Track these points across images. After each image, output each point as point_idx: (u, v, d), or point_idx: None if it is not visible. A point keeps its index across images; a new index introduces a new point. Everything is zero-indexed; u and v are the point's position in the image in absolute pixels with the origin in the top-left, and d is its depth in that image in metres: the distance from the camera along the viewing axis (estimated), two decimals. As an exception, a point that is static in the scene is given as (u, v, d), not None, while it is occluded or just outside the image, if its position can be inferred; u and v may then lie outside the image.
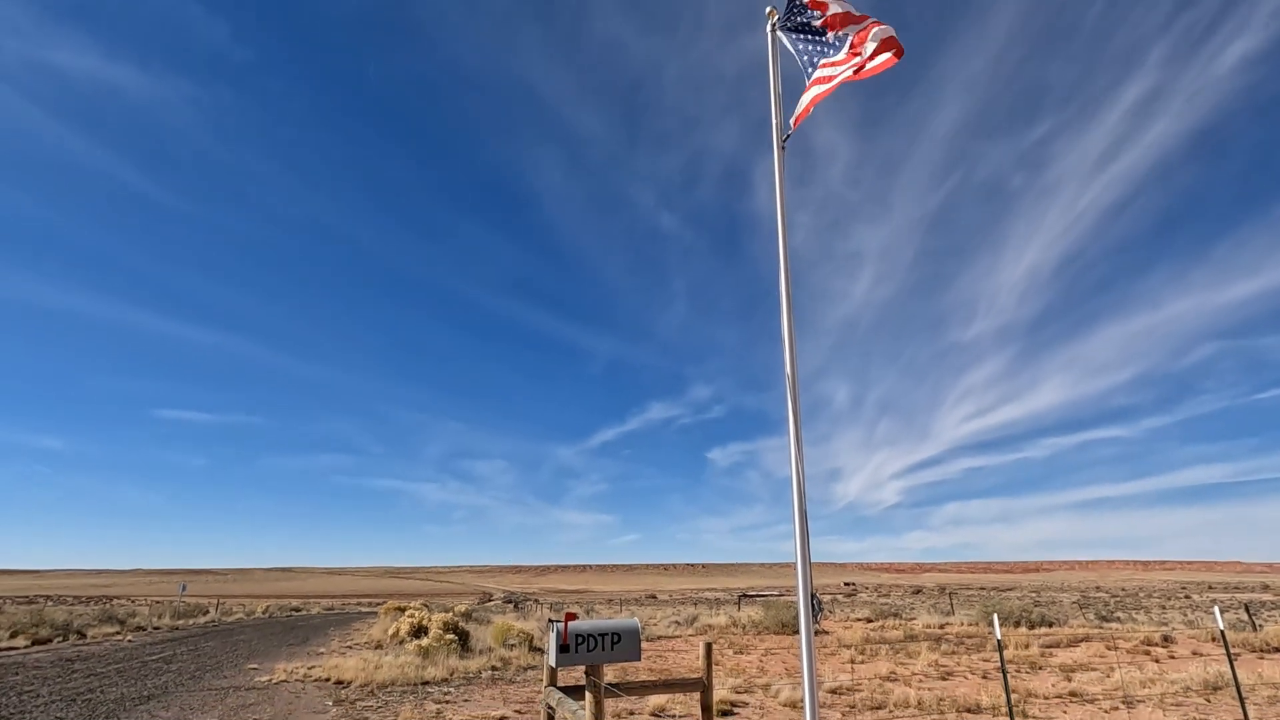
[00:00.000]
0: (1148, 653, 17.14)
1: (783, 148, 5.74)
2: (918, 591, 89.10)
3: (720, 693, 11.31)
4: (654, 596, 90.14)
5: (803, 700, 3.85)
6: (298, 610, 56.40)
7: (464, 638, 19.42)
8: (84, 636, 23.35)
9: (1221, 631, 7.96)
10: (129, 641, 22.35)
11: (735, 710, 10.57)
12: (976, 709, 10.35)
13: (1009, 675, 8.60)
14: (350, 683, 13.31)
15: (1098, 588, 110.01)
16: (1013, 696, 9.01)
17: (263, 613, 47.72)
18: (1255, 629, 21.46)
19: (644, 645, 14.53)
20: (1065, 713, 10.12)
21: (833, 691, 11.94)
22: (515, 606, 52.84)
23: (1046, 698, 11.31)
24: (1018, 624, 24.36)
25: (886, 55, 5.23)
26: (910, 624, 26.86)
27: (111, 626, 26.91)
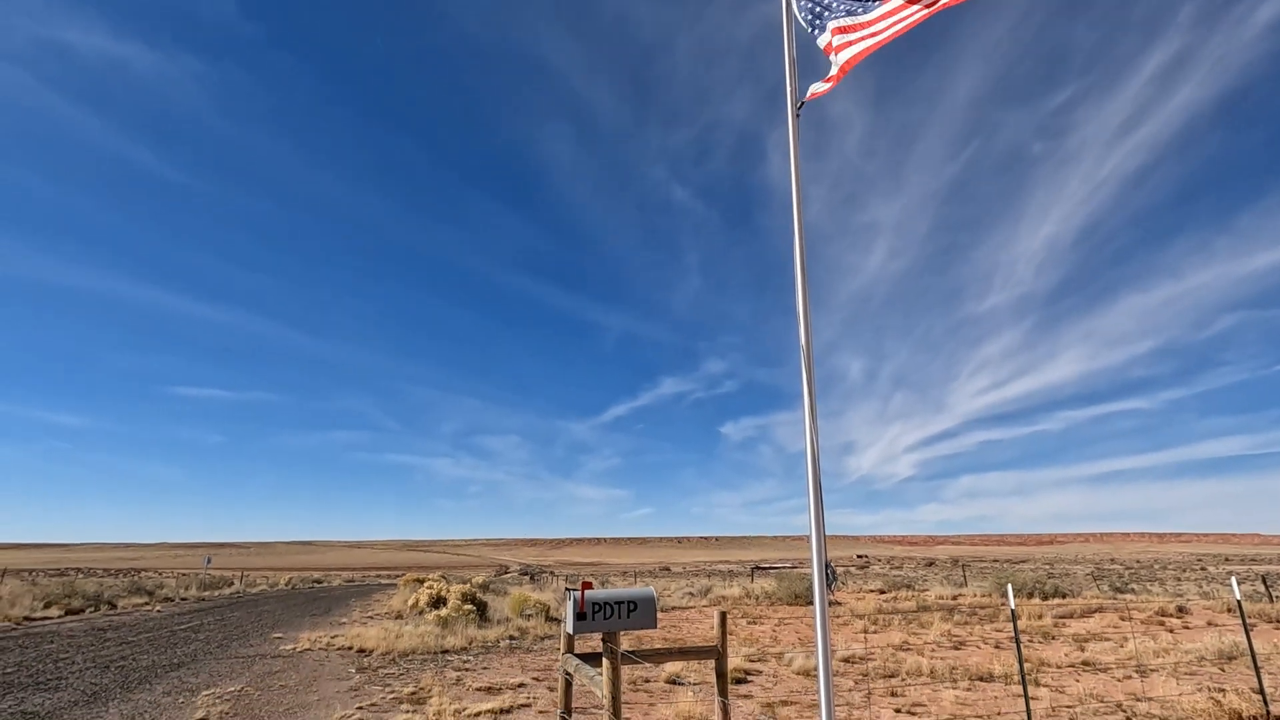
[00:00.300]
0: (1162, 623, 17.15)
1: (797, 116, 5.63)
2: (930, 564, 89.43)
3: (734, 661, 11.48)
4: (667, 569, 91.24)
5: (816, 668, 3.90)
6: (319, 582, 57.68)
7: (482, 608, 19.80)
8: (114, 607, 24.06)
9: (1239, 601, 7.94)
10: (157, 612, 22.99)
11: (749, 678, 10.73)
12: (989, 677, 10.44)
13: (1022, 645, 8.68)
14: (372, 651, 13.64)
15: (1112, 560, 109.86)
16: (1025, 665, 9.09)
17: (285, 584, 48.85)
18: (1272, 600, 21.39)
19: (659, 615, 14.78)
20: (1078, 681, 10.18)
21: (845, 660, 12.08)
22: (531, 578, 53.68)
23: (1059, 667, 11.38)
24: (1031, 595, 24.43)
25: None
26: (923, 595, 27.01)
27: (140, 598, 27.68)
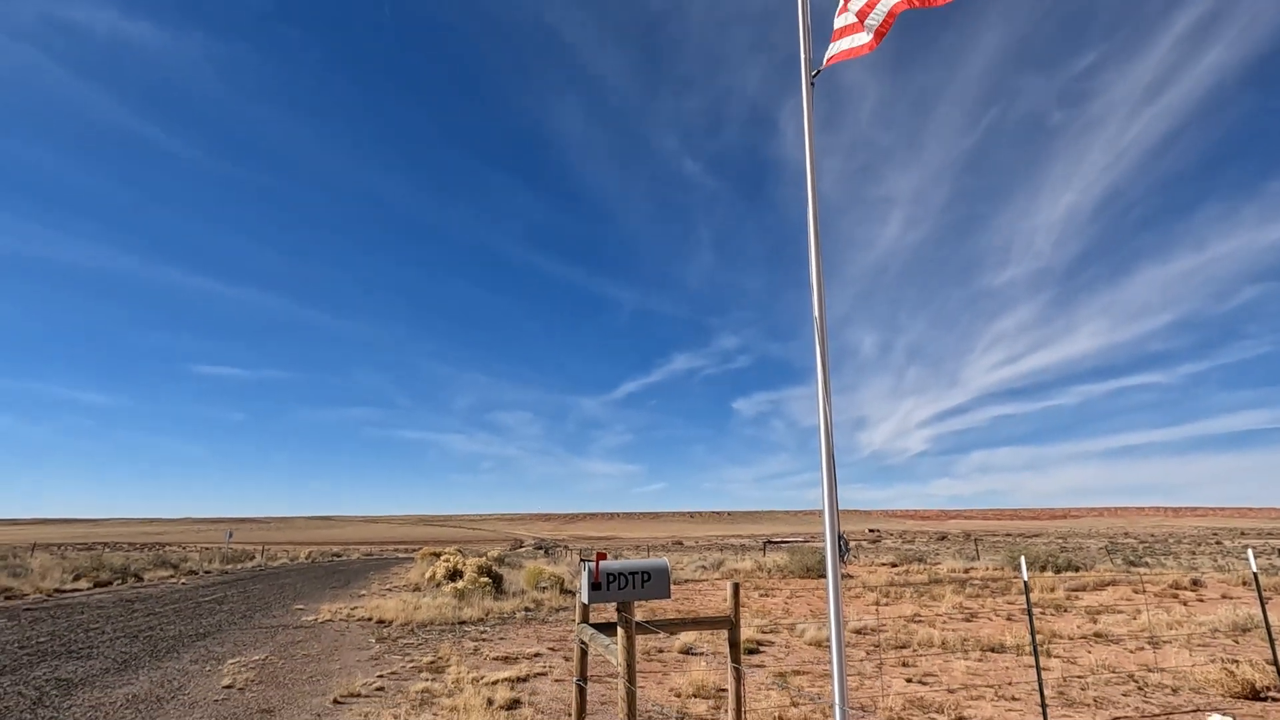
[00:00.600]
0: (1175, 596, 17.13)
1: (812, 84, 5.52)
2: (943, 538, 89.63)
3: (747, 632, 11.62)
4: (680, 543, 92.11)
5: (829, 638, 3.93)
6: (338, 556, 58.81)
7: (497, 581, 20.13)
8: (141, 579, 24.70)
9: (1254, 574, 7.90)
10: (182, 584, 23.58)
11: (762, 649, 10.87)
12: (1000, 648, 10.51)
13: (1034, 617, 8.71)
14: (391, 622, 13.94)
15: (1126, 534, 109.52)
16: (1037, 637, 9.13)
17: (305, 558, 49.85)
18: (1288, 573, 21.26)
19: (672, 587, 14.93)
20: (1090, 653, 10.22)
21: (857, 631, 12.19)
22: (546, 552, 54.40)
23: (1071, 638, 11.42)
24: (1044, 568, 24.46)
25: None
26: (935, 569, 27.12)
27: (165, 571, 28.38)
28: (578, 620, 5.78)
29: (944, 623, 13.14)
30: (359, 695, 7.90)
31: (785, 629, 12.71)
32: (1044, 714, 6.72)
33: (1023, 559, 7.84)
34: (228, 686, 8.26)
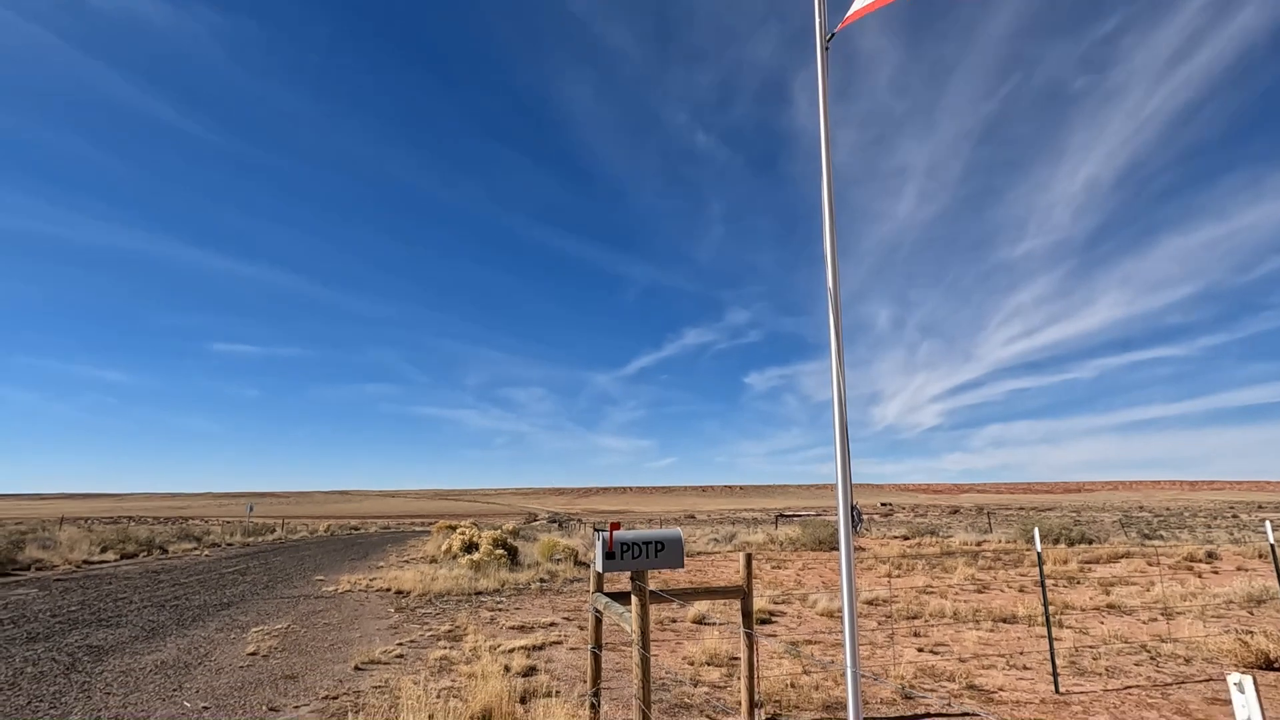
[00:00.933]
0: (1190, 568, 17.09)
1: (826, 49, 5.39)
2: (955, 511, 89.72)
3: (759, 603, 11.74)
4: (692, 516, 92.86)
5: (842, 608, 3.96)
6: (356, 529, 59.86)
7: (513, 553, 20.43)
8: (165, 552, 25.30)
9: (1271, 546, 7.84)
10: (206, 556, 24.14)
11: (774, 619, 10.99)
12: (1012, 619, 10.56)
13: (1046, 588, 8.73)
14: (409, 592, 14.21)
15: (1141, 507, 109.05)
16: (1049, 609, 9.16)
17: (324, 531, 50.78)
18: (1306, 546, 21.12)
19: (684, 559, 15.05)
20: (1102, 623, 10.25)
21: (869, 603, 12.29)
22: (560, 525, 55.07)
23: (1084, 610, 11.45)
24: (1057, 541, 24.46)
25: None
26: (947, 541, 27.19)
27: (189, 543, 29.04)
28: (592, 589, 5.86)
29: (956, 594, 13.21)
30: (379, 662, 8.09)
31: (797, 600, 12.83)
32: (1055, 683, 6.77)
33: (1036, 530, 7.83)
34: (252, 653, 8.49)
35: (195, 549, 27.30)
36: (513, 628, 10.32)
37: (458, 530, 26.55)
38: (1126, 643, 8.94)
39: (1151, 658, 8.16)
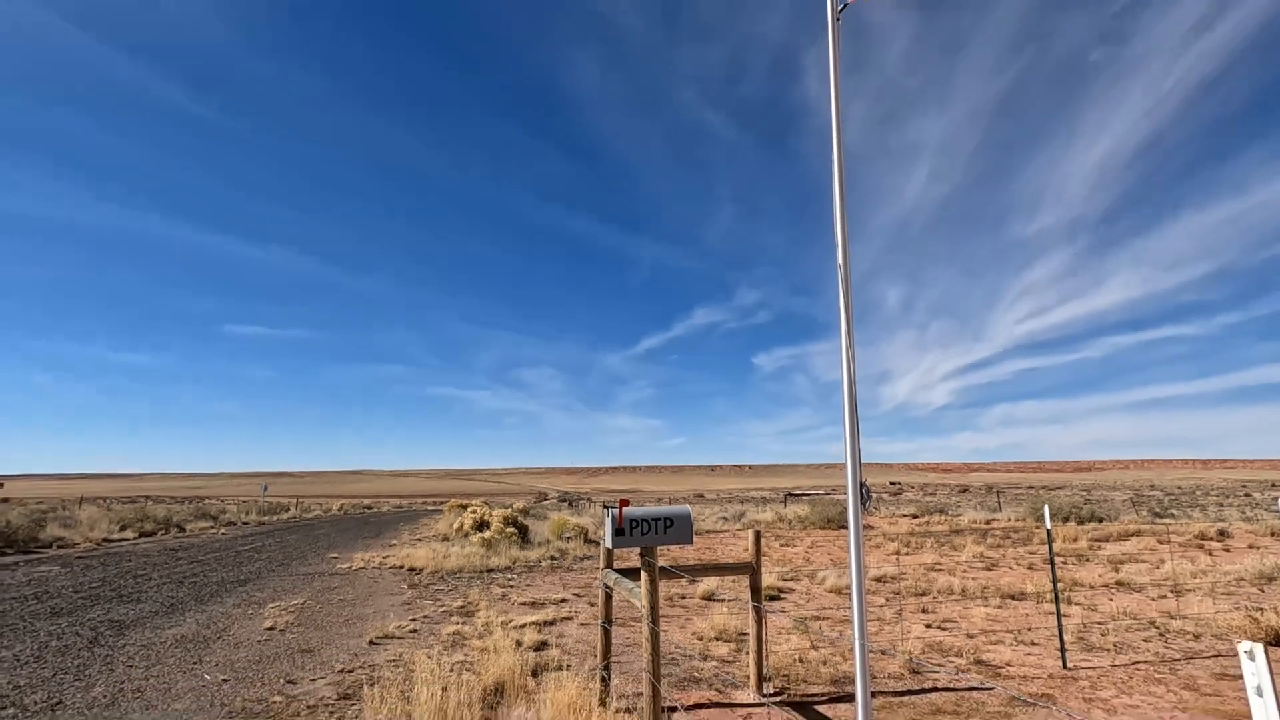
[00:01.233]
0: (1201, 546, 17.05)
1: (838, 20, 5.29)
2: (964, 490, 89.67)
3: (768, 580, 11.82)
4: (701, 495, 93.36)
5: (849, 585, 3.98)
6: (369, 508, 60.64)
7: (523, 531, 20.64)
8: (183, 530, 25.75)
9: (1284, 523, 7.83)
10: (222, 535, 24.55)
11: (782, 595, 11.07)
12: (1020, 596, 10.59)
13: (1055, 566, 8.75)
14: (422, 570, 14.41)
15: (1152, 486, 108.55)
16: (1059, 586, 9.19)
17: (338, 510, 51.47)
18: (1319, 524, 20.98)
19: (694, 536, 15.16)
20: (1111, 600, 10.26)
21: (877, 579, 12.35)
22: (570, 504, 55.52)
23: (1093, 587, 11.46)
24: (1067, 519, 24.41)
25: None
26: (956, 520, 27.22)
27: (206, 522, 29.54)
28: (602, 565, 5.91)
29: (964, 571, 13.25)
30: (393, 636, 8.24)
31: (806, 577, 12.92)
32: (1063, 658, 6.80)
33: (1046, 508, 7.83)
34: (269, 628, 8.66)
35: (212, 527, 27.76)
36: (524, 604, 10.46)
37: (469, 509, 26.82)
38: (1135, 619, 8.96)
39: (1160, 634, 8.18)
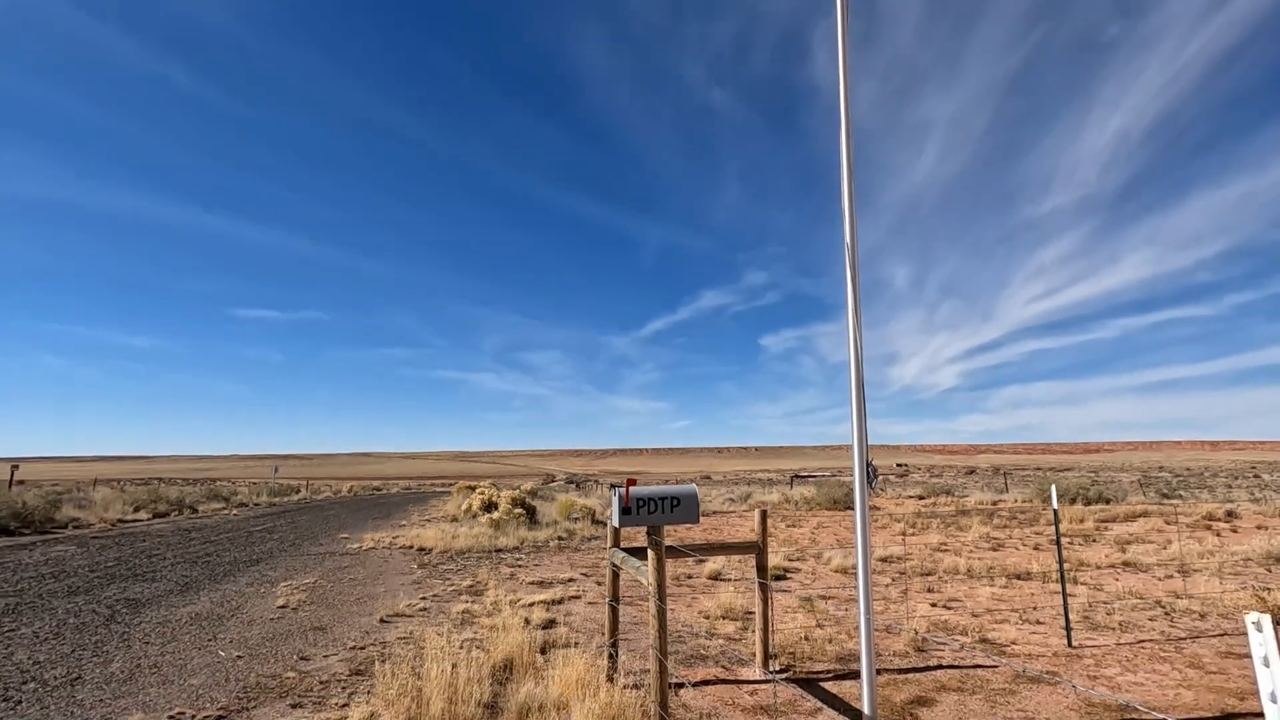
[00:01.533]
0: (1209, 527, 17.02)
1: (847, -6, 5.19)
2: (971, 472, 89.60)
3: (774, 560, 11.90)
4: (708, 477, 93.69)
5: (855, 565, 3.99)
6: (379, 490, 61.22)
7: (531, 512, 20.80)
8: (195, 511, 26.09)
9: (1293, 503, 7.80)
10: (234, 515, 24.86)
11: (788, 575, 11.15)
12: (1026, 576, 10.62)
13: (1062, 546, 8.76)
14: (431, 550, 14.57)
15: (1161, 467, 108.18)
16: (1064, 566, 9.21)
17: (348, 492, 51.97)
18: (1328, 505, 20.89)
19: (700, 516, 15.26)
20: (1117, 580, 10.29)
21: (883, 560, 12.41)
22: (577, 486, 55.87)
23: (1099, 567, 11.48)
24: (1074, 500, 24.40)
25: None
26: (962, 501, 27.25)
27: (218, 503, 29.90)
28: (609, 544, 5.96)
29: (970, 552, 13.29)
30: (403, 615, 8.35)
31: (812, 557, 12.99)
32: (1068, 637, 6.83)
33: (1053, 488, 7.82)
34: (282, 606, 8.79)
35: (224, 508, 28.10)
36: (532, 583, 10.58)
37: (477, 490, 27.02)
38: (1141, 599, 8.98)
39: (1166, 613, 8.20)
